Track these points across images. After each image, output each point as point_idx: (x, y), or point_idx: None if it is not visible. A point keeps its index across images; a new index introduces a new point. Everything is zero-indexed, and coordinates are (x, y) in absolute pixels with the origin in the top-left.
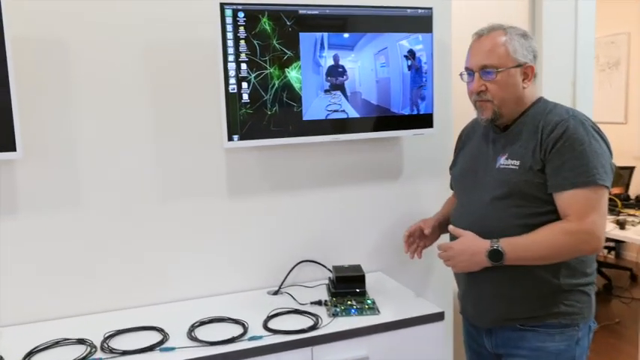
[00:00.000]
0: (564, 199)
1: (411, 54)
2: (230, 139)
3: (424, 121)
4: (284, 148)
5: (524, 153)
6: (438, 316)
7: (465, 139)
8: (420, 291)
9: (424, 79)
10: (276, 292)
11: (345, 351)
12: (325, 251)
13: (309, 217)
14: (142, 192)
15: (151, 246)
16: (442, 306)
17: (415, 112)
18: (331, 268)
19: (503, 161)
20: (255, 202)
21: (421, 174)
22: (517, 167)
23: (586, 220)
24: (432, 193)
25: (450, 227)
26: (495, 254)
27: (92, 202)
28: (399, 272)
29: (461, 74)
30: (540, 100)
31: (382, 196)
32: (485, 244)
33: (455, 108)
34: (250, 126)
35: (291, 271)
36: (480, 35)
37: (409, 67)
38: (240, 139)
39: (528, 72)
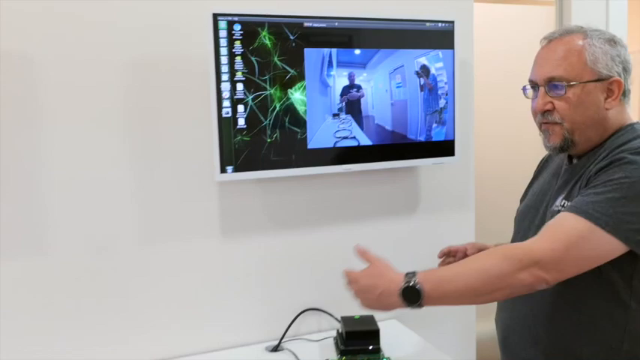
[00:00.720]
0: (554, 219)
1: (425, 71)
2: (223, 170)
3: (444, 148)
4: (286, 180)
5: (576, 190)
6: None
7: (542, 166)
8: (438, 339)
9: (445, 101)
10: (275, 348)
11: None
12: (333, 298)
13: (314, 258)
14: (119, 233)
15: (129, 295)
16: (465, 355)
17: (430, 139)
18: (339, 319)
19: (558, 202)
20: (253, 242)
21: (441, 208)
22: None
23: (543, 245)
24: (454, 230)
25: (358, 248)
26: (410, 293)
27: (59, 245)
28: (415, 319)
29: (524, 88)
30: (629, 127)
31: (397, 234)
32: (398, 280)
33: (477, 134)
34: (247, 156)
35: (293, 321)
36: (549, 40)
37: (421, 87)
38: (235, 170)
39: (614, 88)
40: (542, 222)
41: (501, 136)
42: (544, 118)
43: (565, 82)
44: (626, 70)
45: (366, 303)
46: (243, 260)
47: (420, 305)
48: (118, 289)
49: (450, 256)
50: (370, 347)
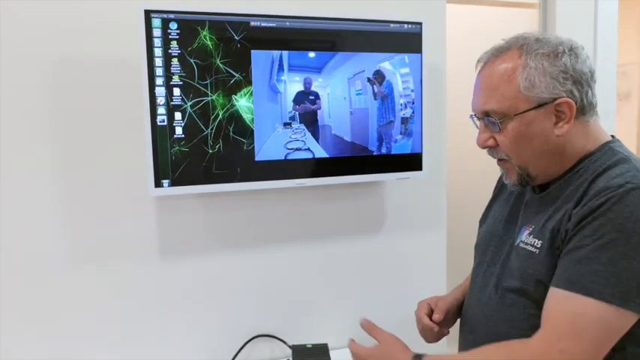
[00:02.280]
0: (548, 301)
1: (378, 77)
2: (158, 184)
3: (411, 162)
4: (232, 195)
5: (548, 231)
6: None
7: (502, 186)
8: None
9: (411, 111)
10: None
11: None
12: (287, 323)
13: (266, 281)
14: (43, 252)
15: (56, 322)
16: None
17: (390, 152)
18: (291, 347)
19: (524, 237)
20: (196, 263)
21: (410, 226)
22: (537, 251)
23: (551, 346)
24: (424, 250)
25: (364, 322)
26: None
27: None
28: None
29: (471, 116)
30: (606, 147)
31: (360, 255)
32: None
33: (451, 146)
34: (185, 168)
35: (241, 349)
36: (484, 63)
37: (374, 96)
38: (172, 184)
39: (564, 110)
40: (509, 258)
41: (478, 150)
42: (491, 154)
43: (498, 117)
44: (578, 82)
45: None
46: (185, 283)
47: None
48: (42, 315)
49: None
50: None
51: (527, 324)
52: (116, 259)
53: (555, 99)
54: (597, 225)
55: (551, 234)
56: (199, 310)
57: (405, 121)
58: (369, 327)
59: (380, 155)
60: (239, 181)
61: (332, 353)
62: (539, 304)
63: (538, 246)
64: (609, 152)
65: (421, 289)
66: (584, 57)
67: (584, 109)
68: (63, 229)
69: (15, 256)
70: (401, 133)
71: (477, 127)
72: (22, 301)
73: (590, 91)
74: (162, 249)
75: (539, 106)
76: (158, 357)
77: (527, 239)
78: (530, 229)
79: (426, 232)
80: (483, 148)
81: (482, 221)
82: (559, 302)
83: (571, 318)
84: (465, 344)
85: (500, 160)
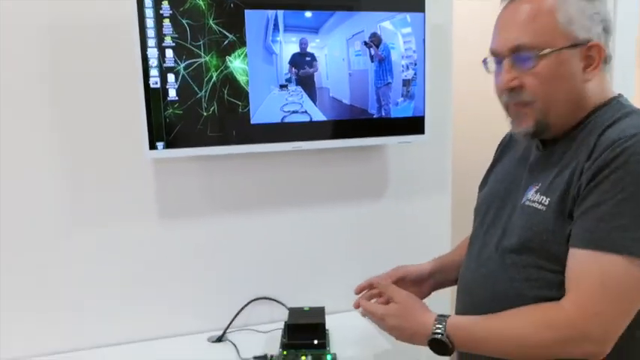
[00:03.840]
0: (572, 263)
1: (374, 40)
2: (153, 147)
3: (413, 125)
4: (229, 159)
5: (558, 187)
6: None
7: (505, 147)
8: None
9: (413, 72)
10: (219, 339)
11: None
12: (288, 287)
13: (265, 244)
14: (43, 218)
15: (63, 283)
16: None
17: (390, 115)
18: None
19: (531, 195)
20: (194, 226)
21: (413, 192)
22: (544, 208)
23: (586, 311)
24: (428, 216)
25: (376, 281)
26: (438, 346)
27: None
28: None
29: (484, 61)
30: (614, 100)
31: (361, 220)
32: (427, 325)
33: (457, 109)
34: (180, 131)
35: (240, 312)
36: None
37: (371, 58)
38: (167, 147)
39: (594, 54)
40: (510, 218)
41: (486, 114)
42: (511, 97)
43: (534, 52)
44: (606, 30)
45: (400, 339)
46: (184, 245)
47: (451, 353)
48: (51, 276)
49: (372, 289)
50: (315, 342)
51: (527, 284)
52: (115, 221)
53: (589, 40)
54: (616, 178)
55: (561, 191)
56: (198, 273)
57: (406, 83)
58: (384, 285)
59: (380, 118)
60: (235, 143)
61: (329, 317)
62: (540, 265)
63: (546, 203)
64: (617, 105)
65: (423, 256)
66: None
67: (607, 58)
68: (61, 192)
69: (14, 219)
70: (402, 96)
71: (488, 71)
72: (21, 264)
73: (609, 43)
74: (160, 212)
75: (574, 45)
76: (157, 319)
77: (534, 197)
78: (537, 187)
79: (430, 198)
80: (506, 89)
81: (482, 185)
82: (585, 263)
83: (600, 279)
84: (463, 307)
85: (517, 105)
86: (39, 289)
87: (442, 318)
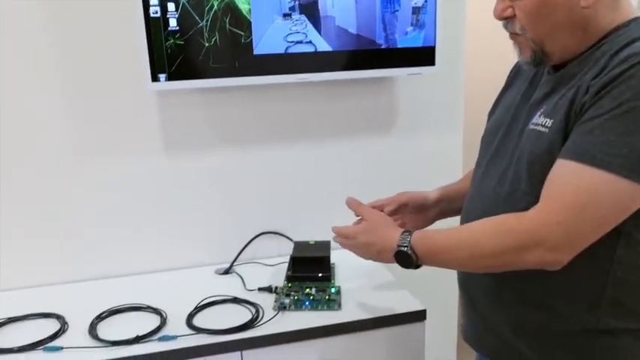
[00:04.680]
0: (552, 174)
1: None
2: (155, 79)
3: (423, 56)
4: (233, 91)
5: (562, 107)
6: (417, 316)
7: (515, 73)
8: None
9: (420, 1)
10: (226, 271)
11: (288, 356)
12: (294, 221)
13: (271, 178)
14: (48, 151)
15: (70, 215)
16: (438, 300)
17: (399, 45)
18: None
19: (535, 119)
20: (201, 159)
21: (423, 126)
22: (546, 130)
23: (548, 219)
24: (438, 152)
25: (349, 200)
26: (403, 258)
27: None
28: None
29: None
30: (633, 22)
31: (368, 156)
32: (393, 239)
33: (470, 39)
34: (182, 62)
35: (246, 246)
36: None
37: None
38: (169, 79)
39: None
40: (515, 146)
41: (501, 44)
42: (506, 27)
43: None
44: None
45: (366, 257)
46: (189, 180)
47: (416, 268)
48: (59, 209)
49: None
50: (320, 275)
51: None
52: (119, 154)
53: None
54: (616, 93)
55: (565, 110)
56: (205, 206)
57: (416, 11)
58: (355, 205)
59: (389, 49)
60: (238, 75)
61: (334, 252)
62: (540, 192)
63: (548, 125)
64: (637, 27)
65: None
66: None
67: None
68: (66, 124)
69: (16, 151)
70: (412, 25)
71: None
72: (24, 196)
73: None
74: (165, 145)
75: None
76: (164, 251)
77: (538, 120)
78: (542, 109)
79: (441, 132)
80: (500, 19)
81: (490, 114)
82: (564, 174)
83: (574, 190)
84: None
85: (512, 35)
86: (42, 222)
87: (408, 232)
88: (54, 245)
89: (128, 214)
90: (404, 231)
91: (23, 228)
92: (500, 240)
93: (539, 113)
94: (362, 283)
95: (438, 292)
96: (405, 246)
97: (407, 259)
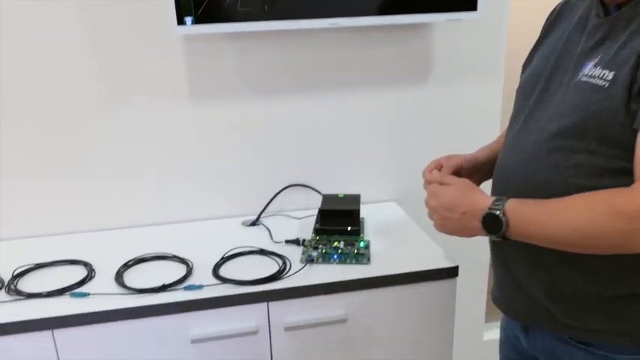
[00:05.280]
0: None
1: None
2: (181, 22)
3: (464, 0)
4: (262, 37)
5: (627, 59)
6: (449, 273)
7: (554, 20)
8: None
9: None
10: (253, 223)
11: (314, 309)
12: (323, 174)
13: (301, 129)
14: (73, 98)
15: (98, 162)
16: (469, 259)
17: None
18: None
19: (588, 70)
20: (230, 107)
21: (460, 77)
22: (606, 84)
23: None
24: (476, 103)
25: (434, 172)
26: (492, 222)
27: (16, 112)
28: (420, 204)
29: None
30: None
31: (402, 106)
32: (484, 203)
33: None
34: (209, 5)
35: (274, 198)
36: None
37: None
38: (196, 22)
39: None
40: (559, 98)
41: None
42: None
43: None
44: None
45: (443, 223)
46: (217, 128)
47: (503, 237)
48: (85, 157)
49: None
50: (349, 228)
51: (574, 171)
52: (144, 102)
53: None
54: None
55: (632, 63)
56: (231, 158)
57: None
58: (436, 175)
59: None
60: (267, 19)
61: (364, 207)
62: (593, 149)
63: (609, 78)
64: None
65: (470, 146)
66: None
67: None
68: (90, 70)
69: (43, 98)
70: None
71: None
72: (53, 144)
73: None
74: (191, 93)
75: None
76: (187, 203)
77: (593, 72)
78: (596, 60)
79: (480, 83)
80: None
81: (525, 65)
82: None
83: None
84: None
85: None
86: (67, 168)
87: (502, 198)
88: (80, 193)
89: (153, 163)
90: (497, 198)
91: (50, 175)
92: (611, 223)
93: (592, 64)
94: (392, 238)
95: (469, 250)
96: (498, 210)
97: (497, 223)
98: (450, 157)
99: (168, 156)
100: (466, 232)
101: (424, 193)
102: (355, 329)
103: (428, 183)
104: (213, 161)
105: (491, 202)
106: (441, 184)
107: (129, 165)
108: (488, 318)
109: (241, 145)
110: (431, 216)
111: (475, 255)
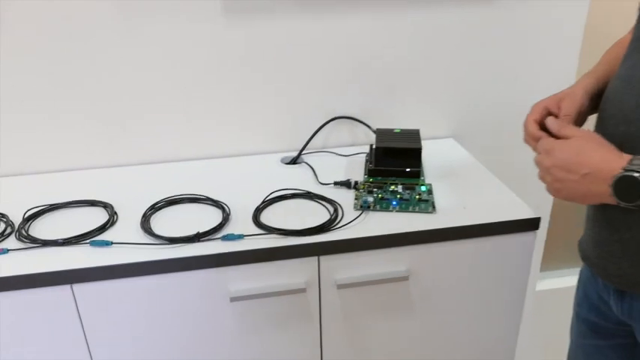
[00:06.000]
0: None
1: None
2: None
3: None
4: None
5: None
6: (529, 224)
7: None
8: (508, 173)
9: None
10: (293, 161)
11: (371, 264)
12: (375, 105)
13: (352, 52)
14: (96, 13)
15: (119, 90)
16: (532, 198)
17: None
18: (375, 130)
19: None
20: (268, 27)
21: None
22: None
23: None
24: (551, 25)
25: (550, 120)
26: (628, 187)
27: (17, 27)
28: (481, 142)
29: None
30: None
31: (468, 25)
32: (614, 162)
33: None
34: None
35: (318, 131)
36: None
37: None
38: None
39: None
40: None
41: None
42: None
43: None
44: None
45: (559, 187)
46: (254, 50)
47: (635, 205)
48: (105, 83)
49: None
50: (407, 170)
51: None
52: (171, 20)
53: None
54: None
55: None
56: (269, 84)
57: None
58: (555, 124)
59: None
60: None
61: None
62: None
63: None
64: None
65: (547, 77)
66: None
67: None
68: None
69: (60, 16)
70: None
71: None
72: (72, 69)
73: None
74: (225, 9)
75: None
76: (219, 136)
77: None
78: None
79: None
80: None
81: None
82: None
83: None
84: (611, 139)
85: None
86: (84, 97)
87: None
88: (98, 121)
89: (181, 90)
90: (635, 156)
91: (66, 104)
92: None
93: None
94: (456, 182)
95: (528, 194)
96: (636, 169)
97: (631, 186)
98: (561, 99)
99: (196, 82)
100: (590, 199)
101: (487, 129)
102: (417, 287)
103: (533, 136)
104: (246, 88)
105: (626, 161)
106: (558, 137)
107: (152, 93)
108: (543, 268)
109: (280, 69)
110: (543, 178)
111: (534, 200)
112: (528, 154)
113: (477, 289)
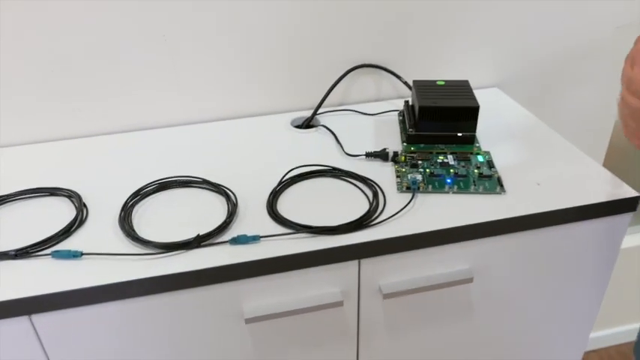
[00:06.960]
0: None
1: None
2: None
3: None
4: None
5: None
6: (625, 205)
7: None
8: (567, 127)
9: None
10: (307, 123)
11: (428, 265)
12: (403, 52)
13: None
14: None
15: (127, 51)
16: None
17: None
18: (410, 84)
19: None
20: None
21: None
22: None
23: None
24: None
25: None
26: None
27: None
28: (533, 91)
29: None
30: None
31: None
32: None
33: None
34: None
35: (335, 84)
36: None
37: None
38: None
39: None
40: None
41: None
42: None
43: None
44: None
45: None
46: None
47: None
48: (116, 43)
49: None
50: (459, 134)
51: None
52: None
53: None
54: None
55: None
56: (277, 26)
57: None
58: None
59: None
60: None
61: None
62: None
63: None
64: None
65: (604, 18)
66: None
67: None
68: None
69: None
70: None
71: None
72: (93, 27)
73: None
74: None
75: None
76: (213, 93)
77: None
78: None
79: None
80: None
81: None
82: None
83: None
84: None
85: None
86: (99, 61)
87: None
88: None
89: (162, 29)
90: None
91: (80, 66)
92: None
93: None
94: (518, 147)
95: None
96: None
97: None
98: None
99: (179, 23)
100: None
101: (536, 76)
102: (483, 289)
103: None
104: (246, 32)
105: None
106: None
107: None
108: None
109: (280, 5)
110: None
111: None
112: (581, 105)
113: (552, 286)
